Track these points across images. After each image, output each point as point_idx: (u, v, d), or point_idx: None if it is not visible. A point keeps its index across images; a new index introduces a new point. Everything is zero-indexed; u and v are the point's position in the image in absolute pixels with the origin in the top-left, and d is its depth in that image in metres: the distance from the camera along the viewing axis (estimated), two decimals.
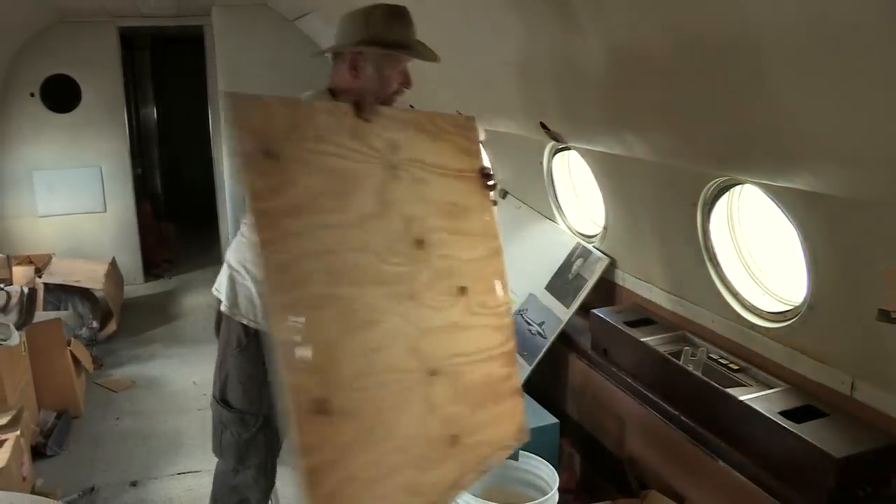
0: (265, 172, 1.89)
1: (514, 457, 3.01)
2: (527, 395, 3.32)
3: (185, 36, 8.15)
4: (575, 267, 3.92)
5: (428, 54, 2.66)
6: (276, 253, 1.88)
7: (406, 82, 2.66)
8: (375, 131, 2.24)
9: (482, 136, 2.65)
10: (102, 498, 3.98)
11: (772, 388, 2.75)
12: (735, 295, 3.02)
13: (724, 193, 2.98)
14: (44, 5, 6.15)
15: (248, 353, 2.80)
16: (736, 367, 2.93)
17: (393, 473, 2.07)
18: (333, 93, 2.66)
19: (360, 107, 2.22)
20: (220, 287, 2.87)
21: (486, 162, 2.69)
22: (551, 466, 2.96)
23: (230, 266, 2.82)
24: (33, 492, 3.64)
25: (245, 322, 2.78)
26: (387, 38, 2.57)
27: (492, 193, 2.68)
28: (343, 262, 2.06)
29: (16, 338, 4.11)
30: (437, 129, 2.54)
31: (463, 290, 2.43)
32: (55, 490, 3.82)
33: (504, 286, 2.64)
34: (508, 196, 4.77)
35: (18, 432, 3.65)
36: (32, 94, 6.90)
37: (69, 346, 4.87)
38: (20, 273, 5.63)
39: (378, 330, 2.11)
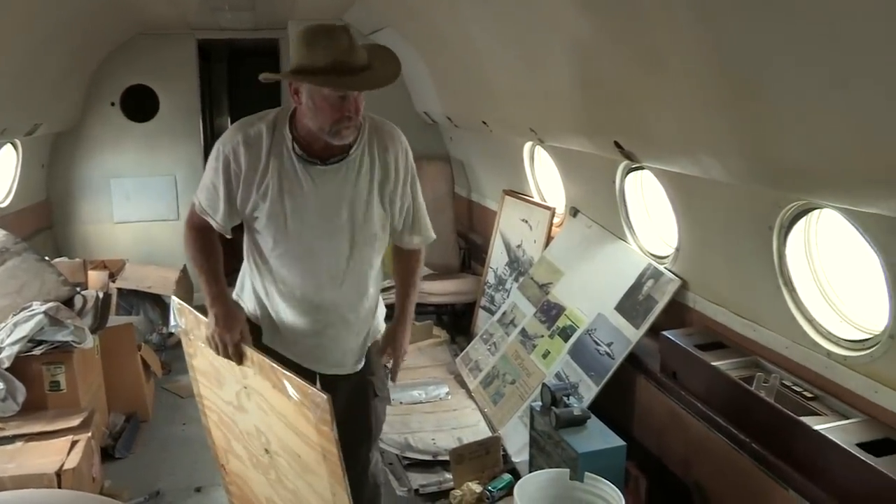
0: (187, 344, 3.02)
1: (580, 478, 2.97)
2: (593, 416, 3.29)
3: (261, 49, 8.30)
4: (645, 288, 3.86)
5: (354, 81, 2.36)
6: (195, 382, 3.10)
7: (345, 108, 2.41)
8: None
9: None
10: (167, 502, 4.05)
11: (848, 418, 2.66)
12: (811, 321, 2.94)
13: (801, 217, 2.91)
14: (128, 19, 6.32)
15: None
16: (810, 396, 2.86)
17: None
18: (295, 114, 2.59)
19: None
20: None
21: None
22: (617, 489, 2.91)
23: (245, 256, 2.87)
24: (101, 492, 3.72)
25: (247, 312, 2.80)
26: (312, 65, 2.34)
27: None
28: (224, 419, 2.96)
29: (90, 341, 4.21)
30: (278, 382, 2.46)
31: None
32: (122, 492, 3.90)
33: None
34: (579, 214, 4.74)
35: (90, 434, 3.73)
36: (113, 104, 7.10)
37: (140, 350, 4.99)
38: (95, 277, 5.76)
39: (243, 462, 2.97)
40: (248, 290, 2.87)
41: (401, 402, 4.81)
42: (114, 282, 5.98)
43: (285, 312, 2.78)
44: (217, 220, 2.69)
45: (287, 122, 2.59)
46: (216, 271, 2.75)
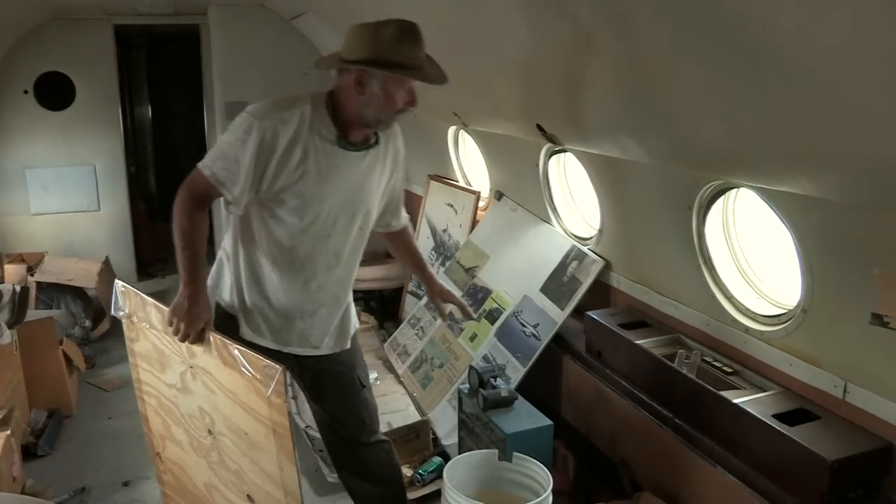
0: (129, 328, 2.95)
1: (508, 458, 3.01)
2: (521, 398, 3.32)
3: (182, 35, 8.11)
4: (570, 269, 3.92)
5: (436, 76, 2.59)
6: (134, 368, 3.02)
7: (412, 101, 2.58)
8: None
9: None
10: (94, 498, 3.96)
11: (765, 391, 2.76)
12: (730, 298, 3.03)
13: (719, 197, 2.98)
14: (38, 2, 6.12)
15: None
16: (730, 371, 2.94)
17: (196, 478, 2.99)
18: (334, 99, 2.59)
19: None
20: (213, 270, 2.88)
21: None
22: (545, 468, 2.95)
23: (223, 249, 2.85)
24: (23, 492, 3.63)
25: (222, 304, 2.79)
26: (395, 59, 2.45)
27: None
28: (165, 402, 2.93)
29: (7, 336, 4.09)
30: (230, 358, 2.46)
31: (251, 499, 2.65)
32: (46, 490, 3.81)
33: None
34: (504, 198, 4.77)
35: (9, 432, 3.62)
36: (26, 92, 6.86)
37: (61, 345, 4.86)
38: (12, 271, 5.60)
39: (183, 447, 2.95)
40: (227, 280, 2.82)
41: None
42: (32, 275, 5.81)
43: (282, 297, 2.78)
44: (234, 193, 2.57)
45: (324, 107, 2.60)
46: (201, 249, 2.64)
